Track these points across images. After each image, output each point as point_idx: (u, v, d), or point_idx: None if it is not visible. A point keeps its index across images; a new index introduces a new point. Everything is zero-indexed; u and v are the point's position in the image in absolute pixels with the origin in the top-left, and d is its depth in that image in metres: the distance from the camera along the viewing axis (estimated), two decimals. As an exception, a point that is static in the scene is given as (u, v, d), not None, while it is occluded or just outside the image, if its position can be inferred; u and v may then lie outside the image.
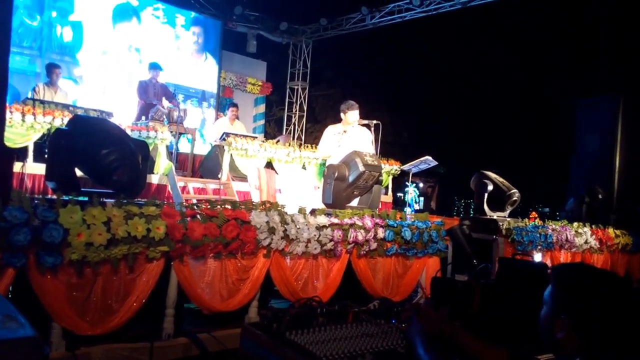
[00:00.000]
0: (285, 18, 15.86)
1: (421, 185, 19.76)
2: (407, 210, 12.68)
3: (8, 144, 6.86)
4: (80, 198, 3.70)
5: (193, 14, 14.32)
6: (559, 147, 15.89)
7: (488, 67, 20.28)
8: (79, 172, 4.23)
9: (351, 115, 7.08)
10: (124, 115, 10.24)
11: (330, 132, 7.20)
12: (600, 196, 8.60)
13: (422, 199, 19.25)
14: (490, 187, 6.94)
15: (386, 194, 10.90)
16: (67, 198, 3.46)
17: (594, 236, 7.35)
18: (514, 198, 7.08)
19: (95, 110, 8.37)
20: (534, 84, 20.42)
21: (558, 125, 17.02)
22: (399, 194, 16.10)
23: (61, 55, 11.76)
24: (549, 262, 6.61)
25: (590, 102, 10.45)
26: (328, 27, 15.89)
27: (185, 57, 14.21)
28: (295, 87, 17.08)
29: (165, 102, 9.99)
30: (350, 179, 5.91)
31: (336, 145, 7.06)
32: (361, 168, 5.84)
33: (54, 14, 11.77)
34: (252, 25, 15.61)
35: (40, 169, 7.50)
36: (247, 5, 14.79)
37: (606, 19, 15.51)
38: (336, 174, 5.89)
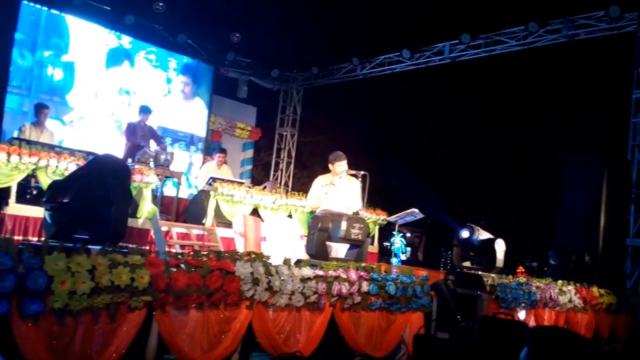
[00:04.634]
0: (277, 65, 16.03)
1: (408, 235, 19.72)
2: (394, 260, 12.63)
3: (-9, 184, 6.84)
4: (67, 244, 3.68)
5: (185, 58, 14.46)
6: (547, 202, 16.02)
7: (477, 122, 20.53)
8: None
9: (339, 166, 7.09)
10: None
11: (319, 183, 7.21)
12: (586, 259, 8.66)
13: (409, 249, 19.18)
14: (504, 246, 7.02)
15: (372, 244, 10.88)
16: (54, 244, 3.44)
17: (578, 295, 7.35)
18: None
19: (80, 151, 8.34)
20: (523, 139, 20.66)
21: (545, 181, 17.18)
22: (386, 244, 16.06)
23: (50, 95, 11.70)
24: (532, 321, 6.61)
25: (577, 159, 10.59)
26: (319, 75, 16.07)
27: (176, 100, 14.28)
28: (284, 133, 17.17)
29: (153, 145, 10.00)
30: (332, 235, 5.93)
31: (324, 196, 7.06)
32: (341, 235, 5.86)
33: (46, 53, 11.80)
34: (244, 71, 15.75)
35: (22, 210, 7.42)
36: (240, 51, 14.95)
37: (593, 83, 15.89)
38: (319, 225, 5.90)
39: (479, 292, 6.25)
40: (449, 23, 14.42)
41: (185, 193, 11.83)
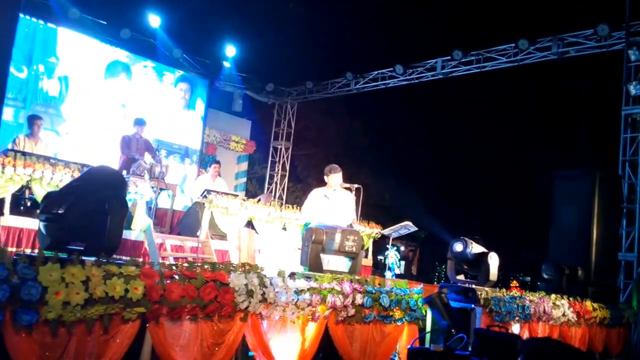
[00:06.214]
0: (271, 79, 16.15)
1: (402, 248, 19.76)
2: (388, 274, 12.65)
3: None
4: (61, 255, 3.67)
5: (181, 72, 14.51)
6: (540, 216, 16.12)
7: (470, 136, 20.66)
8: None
9: (333, 179, 7.12)
10: (105, 169, 10.16)
11: (314, 196, 7.23)
12: (579, 273, 8.67)
13: (403, 262, 19.20)
14: (497, 260, 7.02)
15: (366, 257, 10.87)
16: (48, 254, 3.44)
17: (571, 309, 7.36)
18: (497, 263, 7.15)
19: (75, 163, 8.32)
20: (515, 154, 20.78)
21: (538, 196, 17.27)
22: (380, 257, 16.08)
23: (45, 107, 11.72)
24: (526, 334, 6.61)
25: (568, 174, 10.66)
26: (313, 90, 16.15)
27: (171, 113, 14.30)
28: (279, 147, 17.23)
29: (148, 158, 9.99)
30: (326, 247, 5.94)
31: (318, 208, 7.08)
32: (336, 247, 5.87)
33: (41, 67, 11.82)
34: (239, 85, 15.84)
35: (16, 221, 7.40)
36: (235, 65, 15.06)
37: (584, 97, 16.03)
38: (313, 237, 5.90)
39: (473, 306, 6.26)
40: (441, 40, 14.60)
41: (179, 205, 11.80)
